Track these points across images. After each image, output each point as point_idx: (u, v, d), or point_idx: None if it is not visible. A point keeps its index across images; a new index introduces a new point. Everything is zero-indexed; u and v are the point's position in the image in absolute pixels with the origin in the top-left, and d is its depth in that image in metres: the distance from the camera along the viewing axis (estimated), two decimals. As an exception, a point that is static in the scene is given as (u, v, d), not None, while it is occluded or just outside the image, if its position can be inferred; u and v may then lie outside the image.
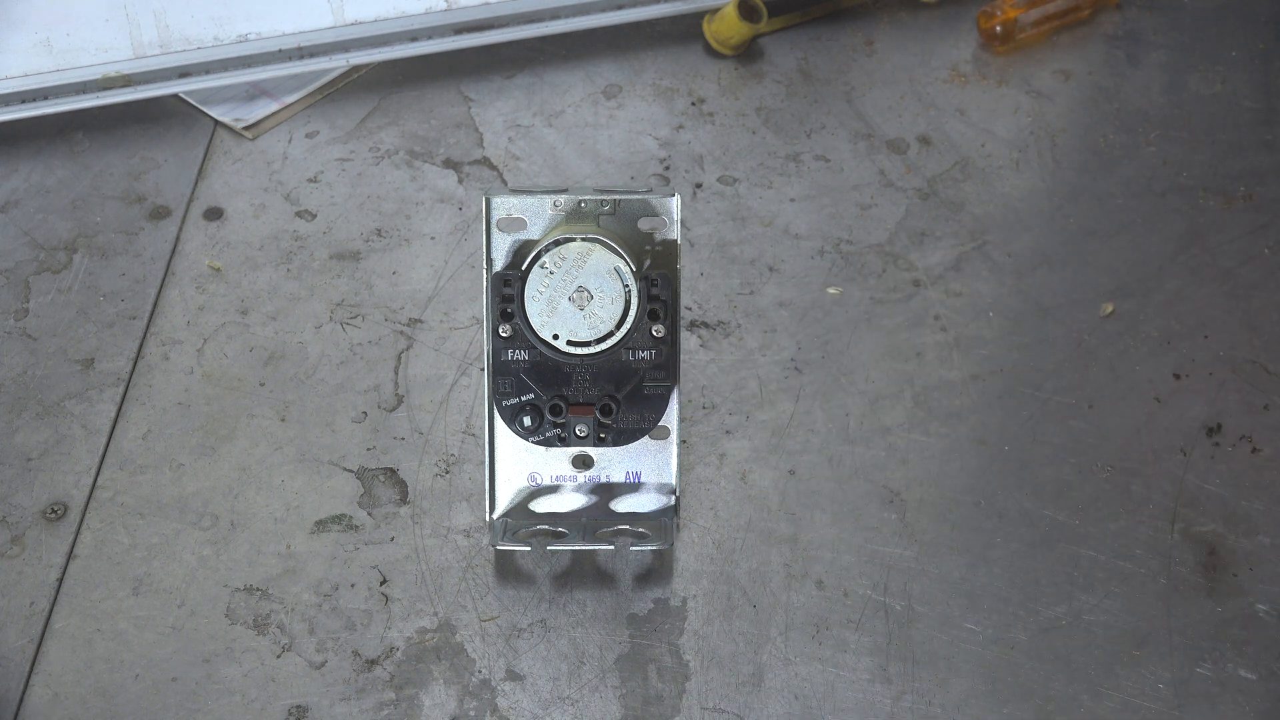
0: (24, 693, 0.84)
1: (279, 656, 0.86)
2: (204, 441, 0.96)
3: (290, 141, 1.18)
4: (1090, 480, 0.94)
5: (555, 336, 0.84)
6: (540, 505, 0.89)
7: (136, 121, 1.20)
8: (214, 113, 1.20)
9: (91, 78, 1.18)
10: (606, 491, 0.89)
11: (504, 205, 0.84)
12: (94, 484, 0.94)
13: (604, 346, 0.85)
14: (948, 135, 1.18)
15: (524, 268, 0.83)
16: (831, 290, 1.06)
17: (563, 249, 0.83)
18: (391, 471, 0.95)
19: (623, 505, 0.89)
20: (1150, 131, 1.18)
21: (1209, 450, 0.95)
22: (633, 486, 0.89)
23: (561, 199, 0.84)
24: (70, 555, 0.90)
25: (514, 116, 1.20)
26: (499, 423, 0.87)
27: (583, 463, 0.89)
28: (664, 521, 0.89)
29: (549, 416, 0.86)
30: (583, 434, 0.86)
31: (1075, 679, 0.85)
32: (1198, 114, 1.20)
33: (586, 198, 0.84)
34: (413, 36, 1.22)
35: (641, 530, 0.88)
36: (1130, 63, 1.25)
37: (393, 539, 0.91)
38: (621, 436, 0.86)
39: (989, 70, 1.24)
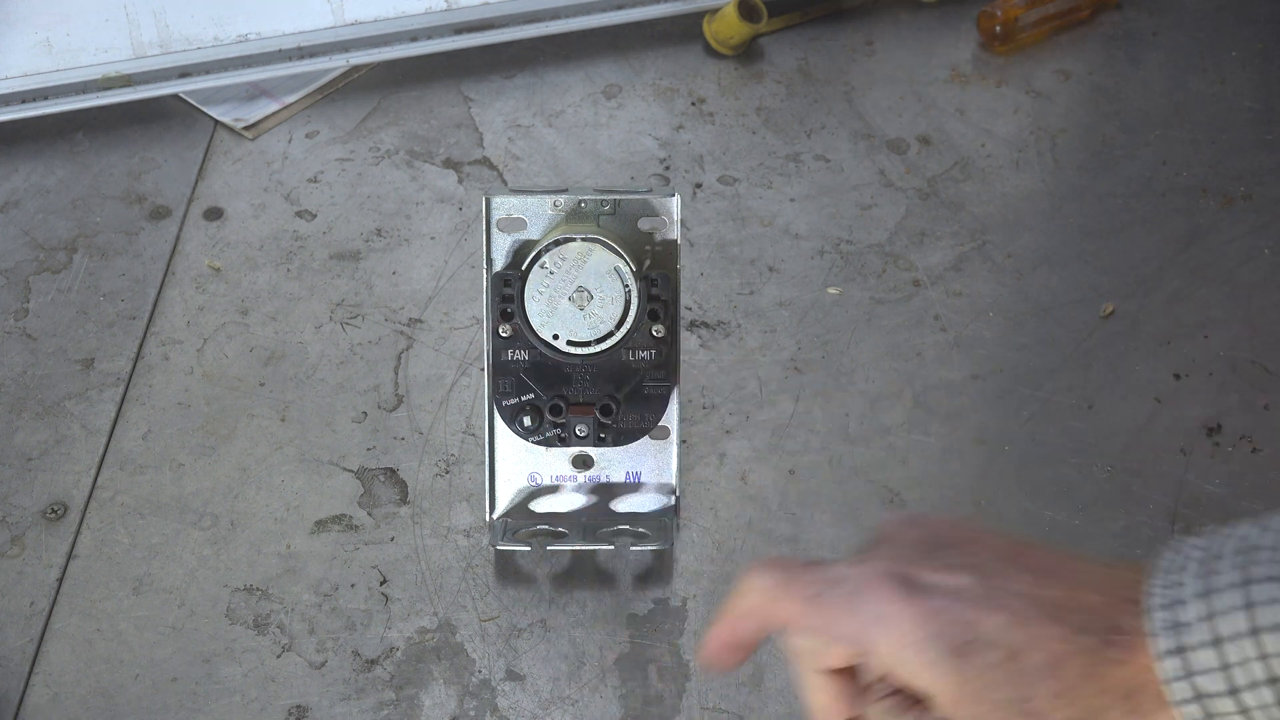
0: (24, 693, 0.84)
1: (279, 656, 0.86)
2: (204, 441, 0.97)
3: (290, 141, 1.18)
4: (1090, 480, 0.94)
5: (555, 336, 0.84)
6: (540, 505, 0.89)
7: (136, 121, 1.20)
8: (214, 113, 1.20)
9: (91, 78, 1.18)
10: (606, 491, 0.89)
11: (504, 205, 0.84)
12: (94, 484, 0.94)
13: (604, 346, 0.85)
14: (948, 135, 1.18)
15: (524, 268, 0.83)
16: (831, 290, 1.06)
17: (563, 249, 0.83)
18: (391, 471, 0.95)
19: (623, 505, 0.89)
20: (1150, 131, 1.18)
21: (1209, 450, 0.95)
22: (633, 486, 0.89)
23: (561, 199, 0.84)
24: (70, 555, 0.91)
25: (514, 116, 1.20)
26: (499, 423, 0.87)
27: (583, 463, 0.89)
28: (664, 521, 0.89)
29: (549, 416, 0.86)
30: (583, 434, 0.86)
31: (1075, 679, 0.85)
32: (1198, 114, 1.20)
33: (586, 198, 0.84)
34: (413, 36, 1.22)
35: (641, 530, 0.88)
36: (1130, 63, 1.25)
37: (393, 539, 0.91)
38: (621, 436, 0.86)
39: (989, 70, 1.24)
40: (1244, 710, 0.49)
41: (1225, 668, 0.49)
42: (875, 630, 0.53)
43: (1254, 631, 0.48)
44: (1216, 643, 0.49)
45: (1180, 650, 0.49)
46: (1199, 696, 0.49)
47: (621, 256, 0.83)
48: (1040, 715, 0.51)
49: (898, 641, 0.52)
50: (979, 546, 0.55)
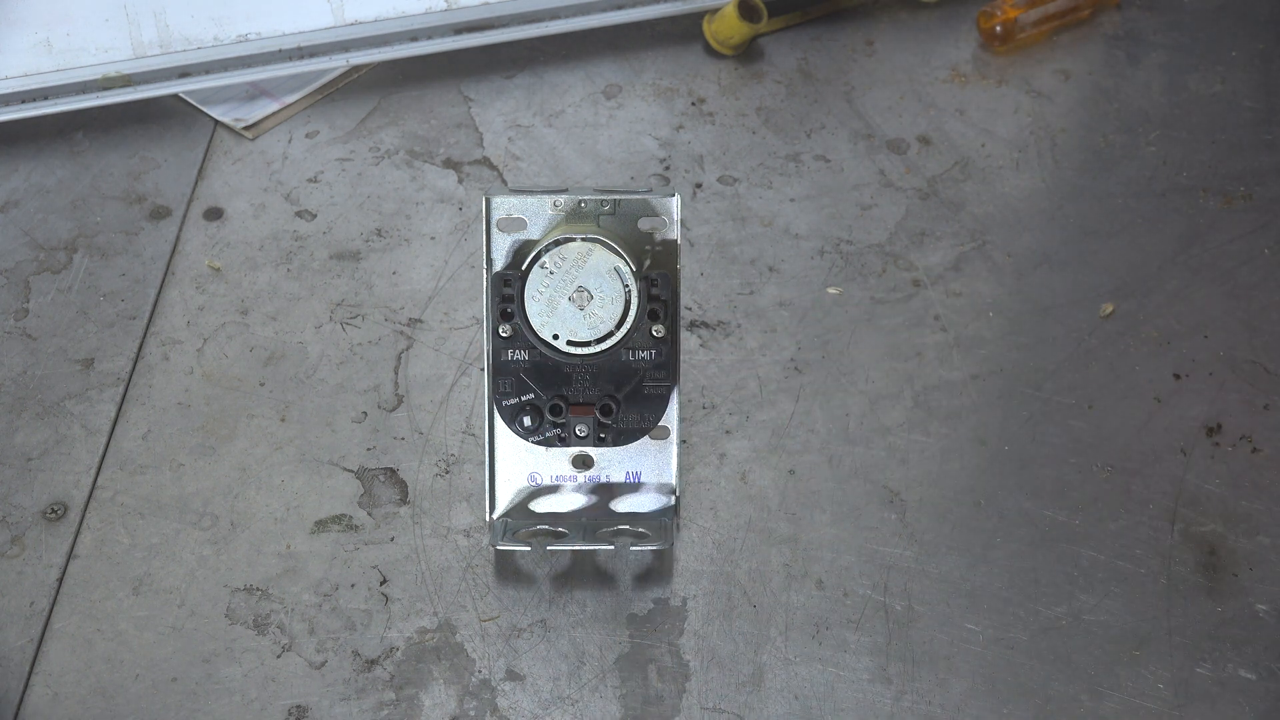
0: (24, 693, 0.84)
1: (279, 656, 0.86)
2: (204, 441, 0.97)
3: (290, 141, 1.18)
4: (1090, 480, 0.94)
5: (555, 336, 0.84)
6: (540, 505, 0.89)
7: (136, 121, 1.20)
8: (214, 113, 1.20)
9: (91, 78, 1.18)
10: (606, 491, 0.89)
11: (504, 205, 0.84)
12: (94, 484, 0.94)
13: (604, 346, 0.85)
14: (948, 135, 1.18)
15: (524, 268, 0.83)
16: (831, 290, 1.06)
17: (563, 249, 0.83)
18: (391, 471, 0.95)
19: (623, 505, 0.89)
20: (1150, 131, 1.18)
21: (1209, 450, 0.96)
22: (633, 486, 0.89)
23: (561, 199, 0.84)
24: (70, 555, 0.91)
25: (514, 116, 1.20)
26: (499, 423, 0.87)
27: (583, 463, 0.89)
28: (664, 521, 0.89)
29: (549, 416, 0.86)
30: (583, 434, 0.86)
31: (1075, 679, 0.85)
32: (1198, 114, 1.20)
33: (586, 198, 0.84)
34: (413, 36, 1.22)
35: (641, 530, 0.88)
36: (1130, 63, 1.25)
37: (393, 539, 0.91)
38: (621, 436, 0.86)
39: (989, 70, 1.24)
40: None
41: None
42: None
43: None
44: None
45: None
46: None
47: (621, 256, 0.83)
48: None
49: None
50: None
